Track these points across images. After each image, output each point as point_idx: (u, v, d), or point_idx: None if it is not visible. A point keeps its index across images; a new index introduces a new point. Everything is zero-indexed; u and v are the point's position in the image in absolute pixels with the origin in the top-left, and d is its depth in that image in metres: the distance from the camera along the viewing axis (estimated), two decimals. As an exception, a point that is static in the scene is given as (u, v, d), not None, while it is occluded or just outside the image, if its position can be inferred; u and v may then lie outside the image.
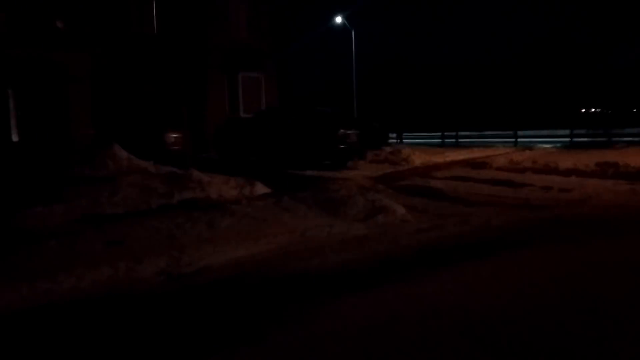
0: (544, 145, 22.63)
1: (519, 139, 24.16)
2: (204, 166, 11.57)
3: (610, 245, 5.05)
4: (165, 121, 15.18)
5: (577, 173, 11.26)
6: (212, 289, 4.24)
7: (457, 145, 25.38)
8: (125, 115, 15.56)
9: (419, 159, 15.31)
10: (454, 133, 27.04)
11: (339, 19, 30.03)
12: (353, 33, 29.24)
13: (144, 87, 18.43)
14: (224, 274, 4.63)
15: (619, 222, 6.36)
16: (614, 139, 20.79)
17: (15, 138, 14.74)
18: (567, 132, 23.69)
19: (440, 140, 27.12)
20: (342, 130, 13.35)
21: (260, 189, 9.20)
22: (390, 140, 26.61)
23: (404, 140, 28.69)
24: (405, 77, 40.48)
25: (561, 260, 4.52)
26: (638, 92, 38.24)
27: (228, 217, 6.63)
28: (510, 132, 24.88)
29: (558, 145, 21.56)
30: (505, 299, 3.57)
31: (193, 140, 15.71)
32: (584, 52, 44.07)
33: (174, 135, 14.09)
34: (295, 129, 13.94)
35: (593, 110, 43.12)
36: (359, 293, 3.84)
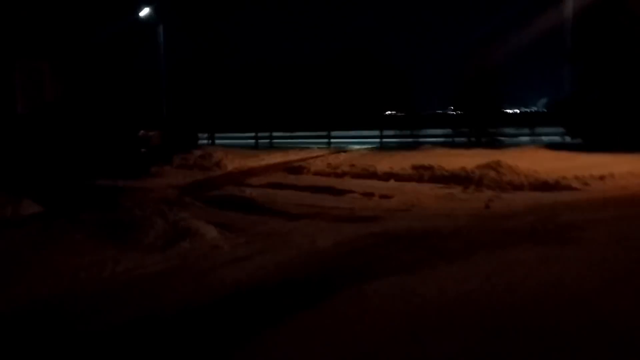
0: (356, 146, 23.20)
1: (331, 140, 24.46)
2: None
3: (464, 272, 4.42)
4: None
5: (395, 177, 11.15)
6: None
7: (271, 147, 24.79)
8: None
9: (232, 163, 14.17)
10: (267, 134, 26.42)
11: (146, 11, 27.60)
12: (161, 27, 27.10)
13: None
14: None
15: (452, 235, 5.93)
16: (419, 139, 22.03)
17: None
18: (376, 132, 24.59)
19: (254, 141, 26.30)
20: (142, 131, 11.60)
21: (29, 207, 7.20)
22: (202, 142, 25.08)
23: (216, 142, 27.33)
24: (218, 75, 39.21)
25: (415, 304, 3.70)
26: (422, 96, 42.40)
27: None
28: (323, 133, 25.11)
29: (370, 146, 22.20)
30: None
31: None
32: (386, 59, 47.57)
33: None
34: (85, 128, 11.79)
35: (389, 112, 46.41)
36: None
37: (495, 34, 22.95)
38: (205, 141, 26.95)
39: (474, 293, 3.76)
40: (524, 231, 5.96)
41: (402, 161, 13.57)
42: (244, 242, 5.81)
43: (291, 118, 35.58)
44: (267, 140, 26.41)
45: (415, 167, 11.68)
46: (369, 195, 9.29)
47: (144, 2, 27.00)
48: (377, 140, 23.65)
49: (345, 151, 19.99)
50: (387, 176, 11.29)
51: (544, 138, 21.04)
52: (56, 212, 6.81)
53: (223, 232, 6.07)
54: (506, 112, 26.81)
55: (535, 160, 12.76)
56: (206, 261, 4.95)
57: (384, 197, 9.14)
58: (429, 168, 11.39)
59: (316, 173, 12.31)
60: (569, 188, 9.25)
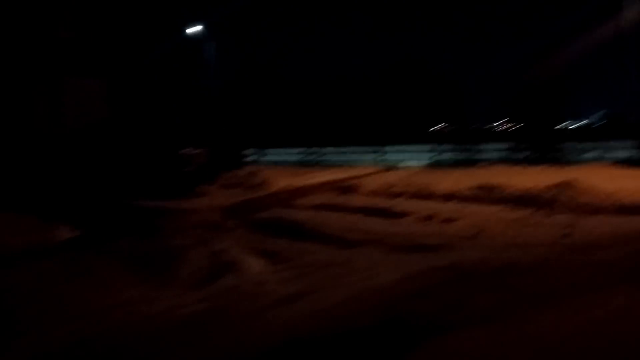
0: (410, 162, 22.41)
1: (384, 156, 23.77)
2: None
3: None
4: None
5: (455, 198, 10.39)
6: None
7: (321, 164, 24.34)
8: None
9: (279, 182, 13.69)
10: (318, 149, 25.99)
11: (199, 27, 27.96)
12: (213, 44, 27.36)
13: None
14: None
15: (532, 272, 5.17)
16: (476, 155, 21.04)
17: None
18: (429, 147, 23.72)
19: (303, 156, 25.92)
20: (187, 149, 11.29)
21: (64, 233, 6.88)
22: (250, 158, 24.89)
23: (266, 157, 27.14)
24: (267, 90, 39.28)
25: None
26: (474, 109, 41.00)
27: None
28: (375, 149, 24.45)
29: (424, 162, 21.37)
30: None
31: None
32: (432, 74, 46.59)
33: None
34: (129, 147, 11.61)
35: (439, 126, 45.25)
36: None
37: (552, 44, 21.88)
38: (253, 157, 26.79)
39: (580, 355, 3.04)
40: (617, 267, 5.13)
41: (462, 179, 12.75)
42: (293, 276, 5.24)
43: (342, 133, 35.12)
44: (317, 156, 25.98)
45: (477, 187, 10.86)
46: (428, 218, 8.59)
47: (196, 19, 27.22)
48: (431, 155, 22.78)
49: (398, 168, 19.25)
50: (446, 197, 10.53)
51: (609, 154, 19.63)
52: (92, 237, 6.45)
53: (269, 263, 5.53)
54: (568, 126, 25.48)
55: (608, 178, 11.70)
56: (251, 301, 4.39)
57: (445, 221, 8.42)
58: (494, 188, 10.55)
59: (369, 193, 11.66)
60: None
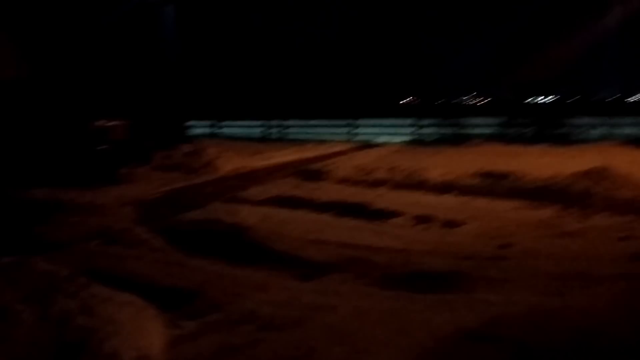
0: (386, 138, 20.26)
1: (356, 131, 21.50)
2: None
3: None
4: None
5: (455, 189, 8.27)
6: None
7: (284, 139, 21.97)
8: None
9: (229, 162, 11.33)
10: (279, 122, 23.48)
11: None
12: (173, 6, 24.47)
13: None
14: None
15: (620, 339, 3.05)
16: (462, 131, 18.96)
17: None
18: (407, 122, 21.53)
19: (264, 130, 23.40)
20: (100, 121, 8.81)
21: None
22: (199, 131, 22.33)
23: (220, 131, 24.54)
24: (227, 56, 36.34)
25: None
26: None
27: None
28: (346, 122, 22.13)
29: (403, 139, 19.25)
30: None
31: None
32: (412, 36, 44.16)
33: None
34: (33, 116, 9.07)
35: (409, 99, 43.35)
36: None
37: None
38: (204, 130, 24.20)
39: None
40: None
41: (456, 162, 10.66)
42: (212, 351, 3.02)
43: (308, 103, 32.62)
44: (279, 130, 23.53)
45: (480, 174, 8.77)
46: (424, 220, 6.45)
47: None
48: (410, 131, 20.62)
49: (374, 145, 17.06)
50: (443, 187, 8.41)
51: (618, 130, 17.77)
52: None
53: (173, 326, 3.28)
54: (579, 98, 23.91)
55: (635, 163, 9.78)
56: None
57: (448, 224, 6.30)
58: (502, 176, 8.47)
59: (341, 180, 9.42)
60: None
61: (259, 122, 24.42)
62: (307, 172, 10.17)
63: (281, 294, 4.03)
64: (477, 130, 18.75)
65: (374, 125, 22.76)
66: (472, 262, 4.79)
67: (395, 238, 5.67)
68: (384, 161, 11.32)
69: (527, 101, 22.25)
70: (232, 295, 3.95)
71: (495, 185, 8.13)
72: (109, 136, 8.84)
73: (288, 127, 23.62)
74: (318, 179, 9.61)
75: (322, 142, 18.36)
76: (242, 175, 10.52)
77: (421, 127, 20.23)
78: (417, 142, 18.23)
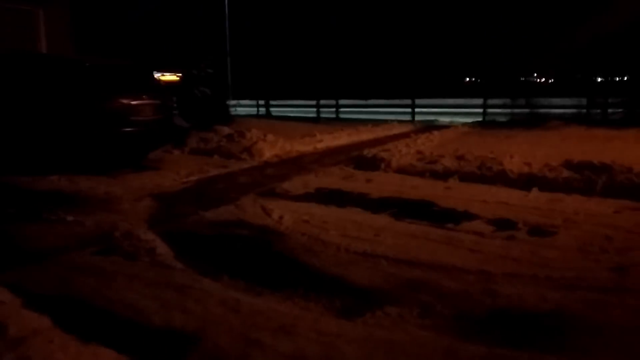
0: (450, 119, 18.71)
1: (416, 111, 20.01)
2: None
3: None
4: None
5: (538, 182, 6.86)
6: None
7: (336, 120, 20.71)
8: None
9: (273, 147, 10.23)
10: (333, 102, 22.13)
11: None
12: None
13: None
14: None
15: None
16: (537, 112, 17.17)
17: None
18: (474, 102, 19.90)
19: (315, 111, 22.13)
20: (123, 100, 7.83)
21: None
22: (249, 111, 21.38)
23: (271, 110, 23.51)
24: (280, 38, 35.47)
25: None
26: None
27: None
28: (404, 102, 20.64)
29: (469, 120, 17.68)
30: None
31: None
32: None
33: None
34: (35, 94, 8.10)
35: (470, 79, 41.56)
36: None
37: None
38: (252, 109, 23.22)
39: None
40: None
41: (534, 149, 9.20)
42: None
43: (364, 83, 31.17)
44: (333, 110, 22.25)
45: (571, 165, 7.32)
46: (506, 225, 5.14)
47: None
48: (478, 111, 18.99)
49: (438, 127, 15.58)
50: (523, 180, 7.01)
51: None
52: None
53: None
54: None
55: None
56: None
57: (537, 231, 4.97)
58: (600, 168, 7.00)
59: (400, 170, 8.14)
60: None
61: (311, 102, 23.25)
62: (360, 158, 8.93)
63: (313, 342, 2.88)
64: (553, 111, 17.00)
65: (436, 106, 21.25)
66: (582, 296, 3.48)
67: (470, 252, 4.40)
68: (450, 146, 9.95)
69: (607, 80, 20.19)
70: (243, 343, 2.83)
71: (589, 178, 6.67)
72: (137, 116, 7.86)
73: (342, 106, 22.35)
74: (373, 167, 8.36)
75: (379, 123, 17.04)
76: (285, 162, 9.39)
77: (489, 107, 18.58)
78: (486, 124, 16.65)
